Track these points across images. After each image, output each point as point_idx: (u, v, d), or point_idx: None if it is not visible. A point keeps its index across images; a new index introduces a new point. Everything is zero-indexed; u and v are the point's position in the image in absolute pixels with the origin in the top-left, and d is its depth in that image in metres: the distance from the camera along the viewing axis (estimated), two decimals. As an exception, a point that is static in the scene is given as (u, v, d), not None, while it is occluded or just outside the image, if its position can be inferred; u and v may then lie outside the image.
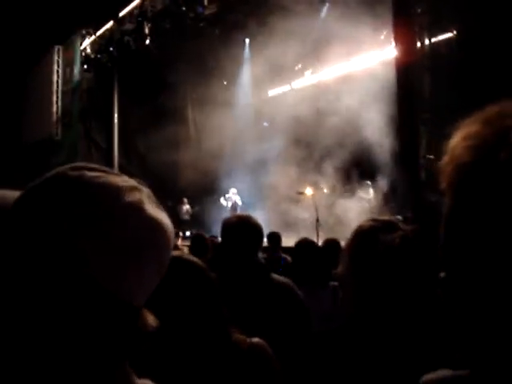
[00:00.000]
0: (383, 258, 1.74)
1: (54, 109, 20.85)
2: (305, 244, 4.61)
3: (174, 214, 18.37)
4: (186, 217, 18.79)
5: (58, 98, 20.93)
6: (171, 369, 1.69)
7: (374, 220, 1.92)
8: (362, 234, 1.84)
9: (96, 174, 0.85)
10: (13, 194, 0.87)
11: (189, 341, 1.74)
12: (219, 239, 8.39)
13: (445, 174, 0.71)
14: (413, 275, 1.76)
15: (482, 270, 0.64)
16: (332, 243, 5.61)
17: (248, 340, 1.89)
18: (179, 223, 17.78)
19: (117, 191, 0.84)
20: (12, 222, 0.81)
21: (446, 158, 0.71)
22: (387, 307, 1.74)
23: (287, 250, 7.28)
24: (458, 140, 0.70)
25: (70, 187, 0.82)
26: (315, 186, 15.28)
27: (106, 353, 0.83)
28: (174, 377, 1.65)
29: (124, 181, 0.87)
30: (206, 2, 14.93)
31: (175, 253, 1.83)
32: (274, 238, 7.58)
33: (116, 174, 0.88)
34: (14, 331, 0.78)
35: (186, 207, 19.02)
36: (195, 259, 1.90)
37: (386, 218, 1.98)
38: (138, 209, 0.84)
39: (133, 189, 0.86)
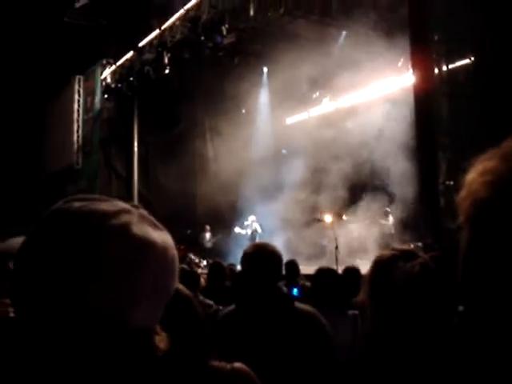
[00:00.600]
0: (403, 286, 1.74)
1: (75, 138, 21.09)
2: (325, 271, 4.58)
3: (195, 242, 18.41)
4: (209, 244, 18.65)
5: (78, 127, 21.18)
6: None
7: (393, 249, 1.93)
8: (382, 263, 1.85)
9: (84, 203, 0.89)
10: (20, 241, 0.92)
11: (168, 368, 1.70)
12: (237, 267, 8.40)
13: (462, 209, 0.71)
14: (432, 303, 1.76)
15: (501, 305, 0.65)
16: (352, 271, 5.58)
17: (229, 365, 1.86)
18: (201, 251, 17.70)
19: (101, 216, 0.86)
20: (16, 265, 0.88)
21: (463, 193, 0.72)
22: (406, 335, 1.74)
23: (306, 277, 7.24)
24: (474, 175, 0.71)
25: (58, 220, 0.87)
26: (334, 213, 15.26)
27: (113, 377, 0.84)
28: None
29: (112, 205, 0.90)
30: (224, 32, 15.10)
31: None
32: (292, 266, 7.51)
33: (105, 201, 0.91)
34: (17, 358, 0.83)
35: (209, 235, 18.95)
36: (180, 286, 1.89)
37: (405, 247, 1.99)
38: (122, 230, 0.86)
39: (119, 212, 0.88)
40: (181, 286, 1.87)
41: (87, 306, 0.81)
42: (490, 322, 0.66)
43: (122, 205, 0.91)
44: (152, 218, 0.93)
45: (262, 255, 3.01)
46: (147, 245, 0.87)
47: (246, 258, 3.07)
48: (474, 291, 0.68)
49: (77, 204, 0.89)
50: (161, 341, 0.91)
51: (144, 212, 0.93)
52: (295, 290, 6.35)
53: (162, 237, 0.91)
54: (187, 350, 1.75)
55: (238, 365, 1.86)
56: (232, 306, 3.11)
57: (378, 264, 1.86)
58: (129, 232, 0.86)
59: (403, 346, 1.74)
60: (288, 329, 2.89)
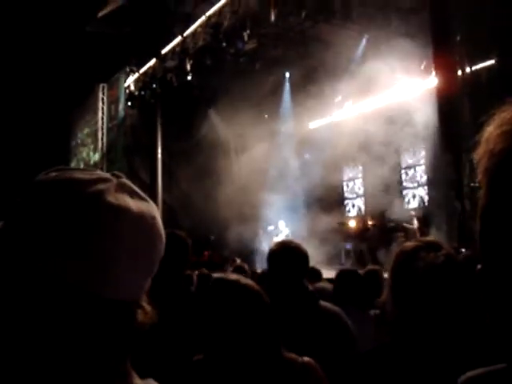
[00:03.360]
0: (426, 275, 1.72)
1: (100, 145, 21.29)
2: (347, 272, 4.58)
3: (218, 247, 18.43)
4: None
5: (103, 134, 21.38)
6: None
7: (417, 240, 1.91)
8: (405, 253, 1.82)
9: (60, 172, 0.89)
10: None
11: (243, 361, 1.78)
12: (258, 270, 8.37)
13: (480, 166, 0.68)
14: (456, 295, 1.72)
15: None
16: (373, 272, 5.54)
17: (300, 359, 1.93)
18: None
19: (76, 185, 0.85)
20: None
21: (480, 150, 0.69)
22: (428, 325, 1.71)
23: (329, 280, 7.18)
24: (491, 129, 0.68)
25: (34, 190, 0.87)
26: (358, 217, 15.18)
27: (93, 351, 0.84)
28: None
29: (89, 175, 0.88)
30: (245, 38, 15.12)
31: (233, 277, 1.93)
32: (314, 272, 7.36)
33: (83, 170, 0.90)
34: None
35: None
36: (251, 283, 1.94)
37: (430, 238, 1.95)
38: (95, 198, 0.84)
39: (95, 180, 0.87)
40: (252, 283, 1.94)
41: (60, 276, 0.81)
42: (508, 279, 0.63)
43: (100, 174, 0.90)
44: (133, 188, 0.91)
45: (287, 253, 3.00)
46: (120, 213, 0.85)
47: (272, 256, 3.06)
48: (492, 248, 0.65)
49: (53, 174, 0.89)
50: (141, 314, 0.89)
51: (124, 181, 0.91)
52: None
53: (140, 205, 0.89)
54: (263, 341, 1.80)
55: (308, 359, 1.93)
56: None
57: (401, 254, 1.83)
58: (101, 200, 0.85)
59: (425, 335, 1.71)
60: (312, 327, 2.88)
